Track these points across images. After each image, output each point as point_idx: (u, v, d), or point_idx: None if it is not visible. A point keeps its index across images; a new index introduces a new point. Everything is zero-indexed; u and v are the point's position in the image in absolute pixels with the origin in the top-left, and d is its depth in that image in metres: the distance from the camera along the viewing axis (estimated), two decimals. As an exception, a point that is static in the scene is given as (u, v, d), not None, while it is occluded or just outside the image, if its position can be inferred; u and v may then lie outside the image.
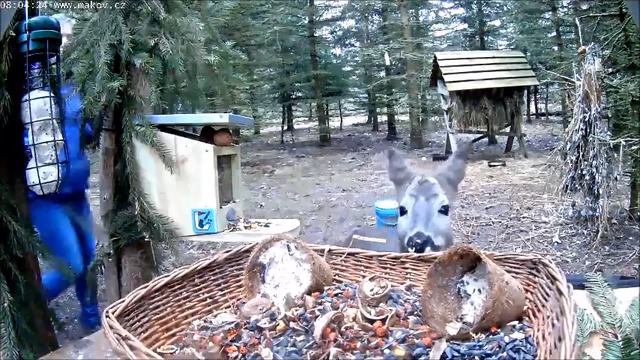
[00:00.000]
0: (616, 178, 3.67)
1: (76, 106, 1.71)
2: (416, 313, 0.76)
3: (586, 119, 3.64)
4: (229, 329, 0.74)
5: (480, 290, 0.75)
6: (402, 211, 1.34)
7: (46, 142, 1.34)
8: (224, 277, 0.94)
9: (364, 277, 0.91)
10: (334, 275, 0.98)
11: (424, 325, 0.72)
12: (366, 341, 0.66)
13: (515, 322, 0.71)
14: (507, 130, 9.47)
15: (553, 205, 4.77)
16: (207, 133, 1.82)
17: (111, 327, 0.61)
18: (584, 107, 3.66)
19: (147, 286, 0.78)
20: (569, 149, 3.78)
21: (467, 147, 1.57)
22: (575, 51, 4.81)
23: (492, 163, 7.91)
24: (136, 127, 1.68)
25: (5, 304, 1.30)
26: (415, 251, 1.15)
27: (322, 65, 14.62)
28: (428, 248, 1.18)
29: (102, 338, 0.75)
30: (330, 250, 1.01)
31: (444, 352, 0.64)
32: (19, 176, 1.41)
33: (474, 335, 0.68)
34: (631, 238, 3.83)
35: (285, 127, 16.23)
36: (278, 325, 0.73)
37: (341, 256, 1.00)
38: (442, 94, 9.61)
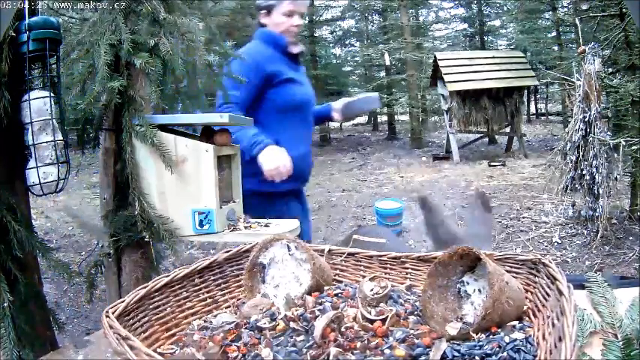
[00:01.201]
0: (616, 178, 3.67)
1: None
2: (416, 313, 0.76)
3: (586, 119, 3.64)
4: (229, 329, 0.74)
5: (480, 290, 0.75)
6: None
7: (46, 142, 1.35)
8: (224, 277, 0.94)
9: (364, 277, 0.91)
10: (334, 275, 0.98)
11: (424, 325, 0.72)
12: (366, 341, 0.66)
13: (516, 322, 0.71)
14: (507, 130, 9.48)
15: (553, 205, 4.78)
16: (207, 133, 1.82)
17: (111, 327, 0.61)
18: (584, 107, 3.66)
19: (147, 286, 0.78)
20: (569, 149, 3.78)
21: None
22: (575, 51, 4.81)
23: (492, 163, 7.91)
24: (136, 127, 1.68)
25: (5, 304, 1.30)
26: None
27: (322, 65, 14.62)
28: None
29: (102, 338, 0.75)
30: (330, 250, 1.01)
31: (444, 352, 0.64)
32: (19, 176, 1.41)
33: (474, 335, 0.68)
34: (631, 238, 3.83)
35: (285, 127, 16.21)
36: (278, 325, 0.73)
37: (341, 256, 1.00)
38: (442, 94, 9.62)
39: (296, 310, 0.77)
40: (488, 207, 1.38)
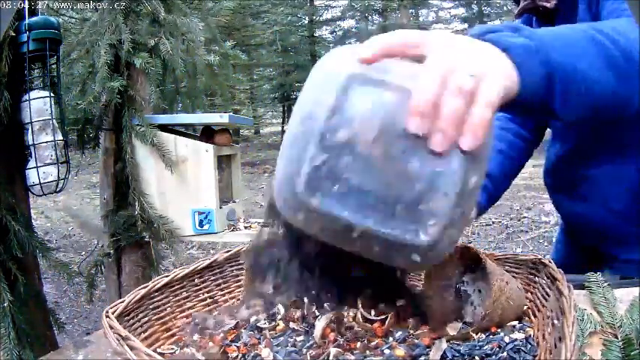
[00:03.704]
0: (616, 178, 3.67)
1: None
2: (416, 313, 0.76)
3: (586, 119, 3.64)
4: (229, 329, 0.74)
5: (479, 290, 0.75)
6: None
7: (46, 142, 1.35)
8: (224, 277, 0.94)
9: (364, 277, 0.91)
10: (334, 275, 0.98)
11: (424, 325, 0.72)
12: (366, 341, 0.66)
13: (516, 322, 0.71)
14: (507, 130, 9.48)
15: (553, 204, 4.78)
16: (207, 133, 1.82)
17: (111, 327, 0.61)
18: (584, 107, 3.66)
19: (147, 286, 0.78)
20: (569, 149, 3.78)
21: None
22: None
23: (492, 163, 7.90)
24: (136, 127, 1.68)
25: (5, 304, 1.30)
26: None
27: (322, 65, 14.60)
28: None
29: (102, 338, 0.75)
30: (330, 250, 1.01)
31: (444, 352, 0.64)
32: (19, 176, 1.41)
33: (474, 335, 0.68)
34: (631, 238, 3.83)
35: (285, 127, 16.24)
36: (278, 325, 0.73)
37: (341, 256, 1.00)
38: (442, 94, 9.62)
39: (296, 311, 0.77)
40: None
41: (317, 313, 0.75)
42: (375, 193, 0.43)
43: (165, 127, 1.75)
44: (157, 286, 0.79)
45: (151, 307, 0.77)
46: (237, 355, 0.67)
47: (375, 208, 0.43)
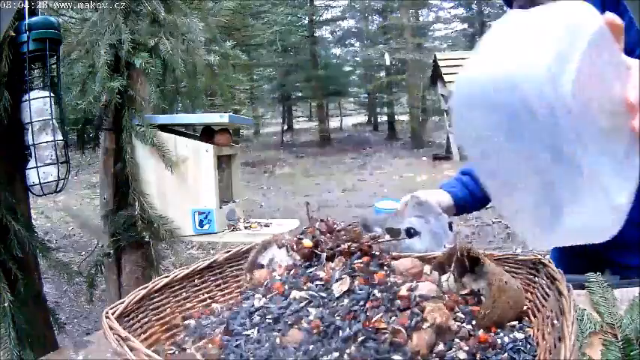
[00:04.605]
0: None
1: None
2: (416, 313, 0.76)
3: (586, 119, 3.65)
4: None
5: (479, 290, 0.75)
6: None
7: (46, 142, 1.35)
8: (224, 277, 0.94)
9: (364, 277, 0.90)
10: (334, 275, 0.98)
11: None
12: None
13: (515, 322, 0.71)
14: (507, 130, 9.48)
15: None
16: (207, 133, 1.82)
17: (111, 328, 0.61)
18: (584, 107, 3.66)
19: (147, 287, 0.78)
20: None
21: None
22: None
23: (492, 163, 7.90)
24: (136, 127, 1.68)
25: (5, 304, 1.30)
26: None
27: (322, 65, 14.62)
28: None
29: (102, 338, 0.75)
30: (330, 251, 1.01)
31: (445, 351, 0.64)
32: (19, 176, 1.41)
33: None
34: (631, 238, 3.83)
35: (285, 127, 16.24)
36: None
37: (341, 257, 1.00)
38: (442, 94, 9.63)
39: (296, 311, 0.77)
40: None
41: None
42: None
43: (165, 127, 1.75)
44: (156, 287, 0.79)
45: (150, 307, 0.77)
46: (237, 356, 0.67)
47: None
